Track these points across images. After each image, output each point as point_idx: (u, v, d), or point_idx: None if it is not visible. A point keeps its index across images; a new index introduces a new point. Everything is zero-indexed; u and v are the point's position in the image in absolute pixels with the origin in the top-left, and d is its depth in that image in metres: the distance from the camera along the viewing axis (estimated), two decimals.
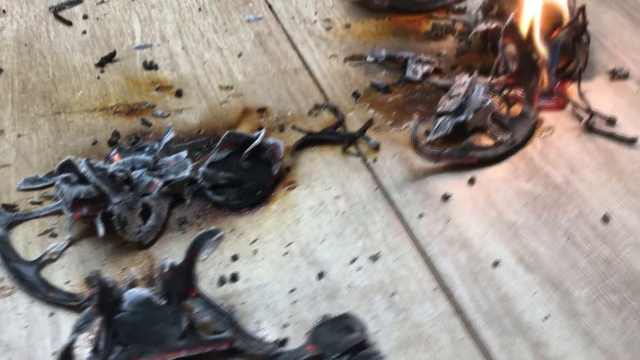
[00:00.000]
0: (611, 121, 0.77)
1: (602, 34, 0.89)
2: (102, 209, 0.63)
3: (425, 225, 0.67)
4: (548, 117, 0.78)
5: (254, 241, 0.66)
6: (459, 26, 0.91)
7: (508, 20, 0.75)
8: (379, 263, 0.64)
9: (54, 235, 0.66)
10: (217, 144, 0.72)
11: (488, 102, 0.75)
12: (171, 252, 0.64)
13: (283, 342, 0.57)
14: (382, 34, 0.90)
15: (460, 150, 0.73)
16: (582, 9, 0.81)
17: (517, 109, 0.79)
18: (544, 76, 0.80)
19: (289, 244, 0.65)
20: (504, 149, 0.73)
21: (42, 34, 0.92)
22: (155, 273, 0.62)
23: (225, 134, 0.72)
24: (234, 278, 0.62)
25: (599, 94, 0.81)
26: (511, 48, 0.79)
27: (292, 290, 0.62)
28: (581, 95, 0.80)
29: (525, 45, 0.78)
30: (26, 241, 0.66)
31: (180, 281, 0.56)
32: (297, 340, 0.58)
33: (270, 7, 0.96)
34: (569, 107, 0.79)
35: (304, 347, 0.56)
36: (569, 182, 0.71)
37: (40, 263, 0.63)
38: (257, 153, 0.72)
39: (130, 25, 0.93)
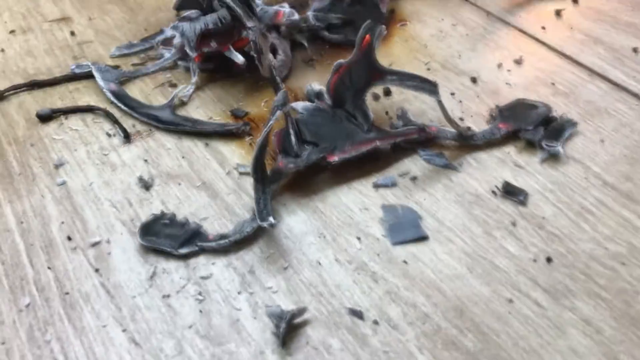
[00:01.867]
0: None
1: None
2: (232, 40, 0.58)
3: (551, 32, 0.66)
4: None
5: (390, 64, 0.62)
6: None
7: None
8: (525, 65, 0.61)
9: (173, 85, 0.60)
10: None
11: None
12: (309, 82, 0.59)
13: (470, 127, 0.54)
14: None
15: None
16: None
17: None
18: None
19: (427, 62, 0.62)
20: None
21: None
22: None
23: None
24: (387, 93, 0.58)
25: None
26: None
27: (452, 94, 0.58)
28: None
29: None
30: (144, 94, 0.59)
31: (361, 71, 0.52)
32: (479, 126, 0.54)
33: None
34: None
35: (496, 125, 0.53)
36: None
37: (173, 106, 0.57)
38: None
39: None
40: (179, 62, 0.62)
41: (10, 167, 0.52)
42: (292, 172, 0.49)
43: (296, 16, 0.64)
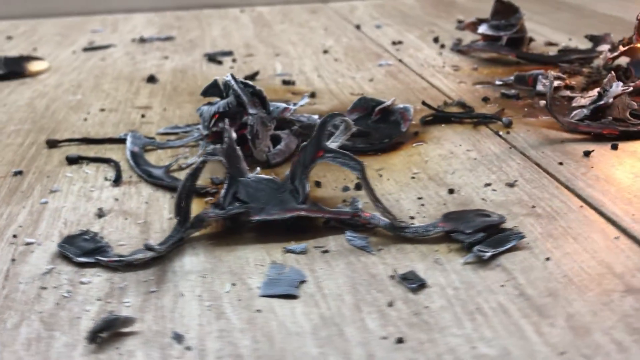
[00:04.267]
0: None
1: None
2: (237, 122, 0.65)
3: (566, 169, 0.62)
4: None
5: (380, 169, 0.63)
6: (586, 70, 0.92)
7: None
8: (516, 188, 0.58)
9: (185, 158, 0.67)
10: (349, 108, 0.74)
11: (629, 89, 0.73)
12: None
13: (412, 219, 0.52)
14: (509, 73, 0.93)
15: (601, 122, 0.69)
16: None
17: None
18: None
19: (416, 173, 0.62)
20: None
21: (195, 66, 1.04)
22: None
23: (358, 98, 0.74)
24: (358, 187, 0.59)
25: None
26: None
27: (419, 198, 0.57)
28: None
29: None
30: (157, 159, 0.67)
31: (309, 150, 0.54)
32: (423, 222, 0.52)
33: (400, 60, 1.03)
34: None
35: (436, 224, 0.51)
36: None
37: (169, 168, 0.64)
38: (387, 116, 0.72)
39: (273, 65, 1.03)
40: (200, 142, 0.70)
41: (21, 186, 0.62)
42: (218, 223, 0.52)
43: (316, 118, 0.70)
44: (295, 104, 0.75)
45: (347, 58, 1.06)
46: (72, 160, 0.67)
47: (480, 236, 0.49)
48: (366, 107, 0.74)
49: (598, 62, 0.93)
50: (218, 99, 0.68)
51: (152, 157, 0.68)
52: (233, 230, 0.52)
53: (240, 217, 0.51)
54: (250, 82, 0.67)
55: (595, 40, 1.04)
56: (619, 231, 0.51)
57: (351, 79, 0.94)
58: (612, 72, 0.77)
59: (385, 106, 0.72)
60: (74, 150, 0.71)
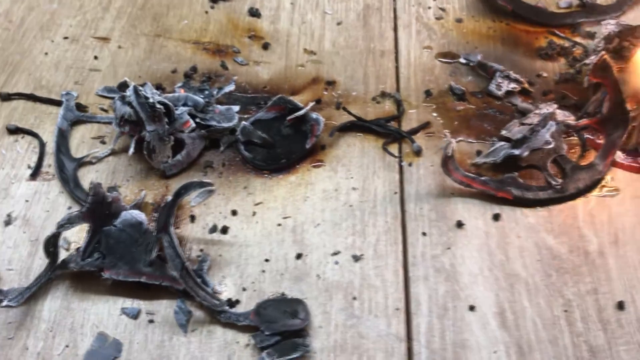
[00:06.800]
0: None
1: None
2: (139, 132, 0.70)
3: (423, 245, 0.64)
4: (621, 177, 0.69)
5: (258, 204, 0.68)
6: (577, 50, 0.82)
7: (597, 58, 0.67)
8: (358, 264, 0.63)
9: (103, 142, 0.74)
10: (267, 105, 0.75)
11: (550, 145, 0.68)
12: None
13: (234, 303, 0.61)
14: (491, 38, 0.85)
15: (499, 181, 0.68)
16: None
17: (590, 156, 0.71)
18: (635, 132, 0.70)
19: (287, 217, 0.67)
20: (547, 196, 0.67)
21: None
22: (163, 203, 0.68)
23: (277, 97, 0.74)
24: (224, 231, 0.66)
25: None
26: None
27: (266, 260, 0.64)
28: None
29: (619, 91, 0.69)
30: (80, 140, 0.75)
31: (162, 217, 0.61)
32: (247, 306, 0.60)
33: None
34: None
35: (248, 315, 0.59)
36: (603, 254, 0.63)
37: (81, 162, 0.72)
38: (300, 123, 0.73)
39: None
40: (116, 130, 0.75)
41: None
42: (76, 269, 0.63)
43: (229, 123, 0.73)
44: (220, 89, 0.76)
45: None
46: (12, 131, 0.76)
47: (274, 340, 0.57)
48: (284, 107, 0.74)
49: (595, 42, 0.81)
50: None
51: (77, 134, 0.75)
52: (91, 276, 0.62)
53: (93, 271, 0.61)
54: (155, 96, 0.69)
55: None
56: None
57: (321, 15, 0.89)
58: (554, 109, 0.70)
59: (297, 115, 0.72)
60: (19, 109, 0.78)
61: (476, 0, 0.90)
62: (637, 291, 0.60)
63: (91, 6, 0.91)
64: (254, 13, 0.89)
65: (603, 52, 0.68)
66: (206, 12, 0.90)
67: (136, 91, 0.68)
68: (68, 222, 0.61)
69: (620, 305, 0.59)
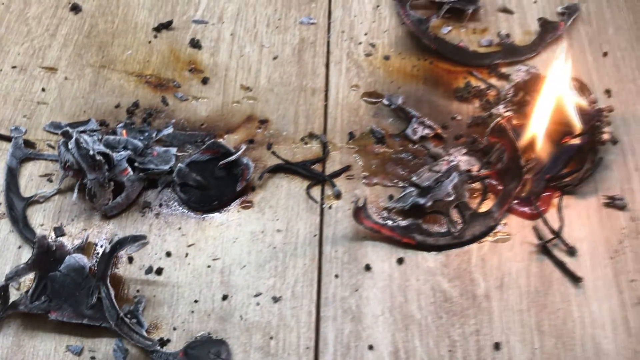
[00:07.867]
0: (571, 251, 0.76)
1: (634, 149, 0.84)
2: (82, 179, 0.76)
3: (335, 286, 0.74)
4: (514, 223, 0.79)
5: (191, 245, 0.76)
6: (491, 93, 0.90)
7: (494, 123, 0.75)
8: (277, 305, 0.72)
9: (50, 181, 0.81)
10: (202, 148, 0.82)
11: (451, 198, 0.77)
12: (125, 229, 0.77)
13: (165, 343, 0.69)
14: (414, 78, 0.92)
15: (405, 227, 0.77)
16: (598, 118, 0.78)
17: (491, 201, 0.80)
18: (528, 182, 0.79)
19: (216, 259, 0.75)
20: (445, 242, 0.76)
21: None
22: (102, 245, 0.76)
23: (210, 141, 0.81)
24: (159, 272, 0.74)
25: (581, 216, 0.79)
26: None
27: (196, 301, 0.72)
28: (559, 210, 0.79)
29: (515, 149, 0.77)
30: (29, 178, 0.81)
31: (101, 267, 0.69)
32: (177, 345, 0.69)
33: (329, 13, 0.99)
34: (540, 220, 0.79)
35: (177, 354, 0.68)
36: (488, 297, 0.73)
37: (30, 201, 0.79)
38: (232, 167, 0.81)
39: None
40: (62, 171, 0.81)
41: None
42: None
43: (165, 167, 0.79)
44: (158, 132, 0.82)
45: None
46: None
47: None
48: (218, 150, 0.81)
49: (506, 88, 0.89)
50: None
51: (26, 172, 0.81)
52: (40, 317, 0.70)
53: (40, 312, 0.69)
54: (95, 145, 0.75)
55: (545, 28, 0.95)
56: None
57: (259, 48, 0.94)
58: (459, 154, 0.78)
59: (229, 161, 0.79)
60: None
61: (405, 36, 0.97)
62: (513, 332, 0.71)
63: (38, 32, 0.95)
64: (195, 44, 0.95)
65: (499, 119, 0.76)
66: (149, 42, 0.95)
67: (77, 144, 0.74)
68: (16, 275, 0.68)
69: (497, 346, 0.70)
